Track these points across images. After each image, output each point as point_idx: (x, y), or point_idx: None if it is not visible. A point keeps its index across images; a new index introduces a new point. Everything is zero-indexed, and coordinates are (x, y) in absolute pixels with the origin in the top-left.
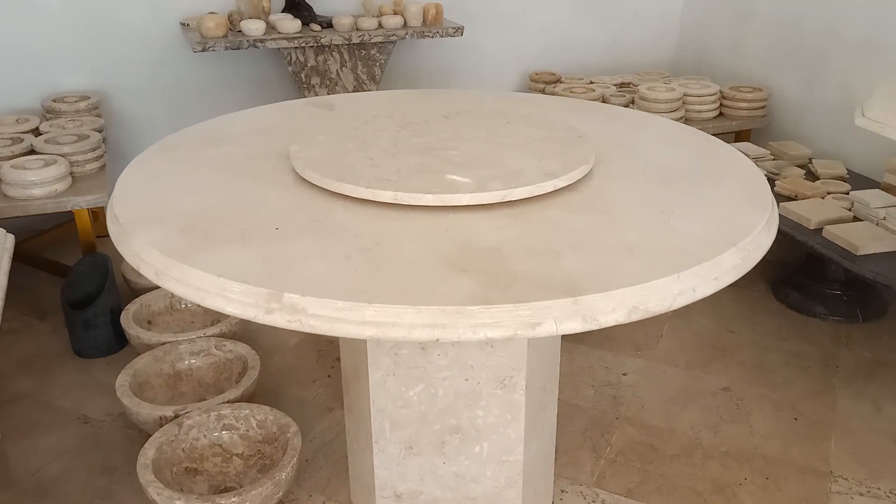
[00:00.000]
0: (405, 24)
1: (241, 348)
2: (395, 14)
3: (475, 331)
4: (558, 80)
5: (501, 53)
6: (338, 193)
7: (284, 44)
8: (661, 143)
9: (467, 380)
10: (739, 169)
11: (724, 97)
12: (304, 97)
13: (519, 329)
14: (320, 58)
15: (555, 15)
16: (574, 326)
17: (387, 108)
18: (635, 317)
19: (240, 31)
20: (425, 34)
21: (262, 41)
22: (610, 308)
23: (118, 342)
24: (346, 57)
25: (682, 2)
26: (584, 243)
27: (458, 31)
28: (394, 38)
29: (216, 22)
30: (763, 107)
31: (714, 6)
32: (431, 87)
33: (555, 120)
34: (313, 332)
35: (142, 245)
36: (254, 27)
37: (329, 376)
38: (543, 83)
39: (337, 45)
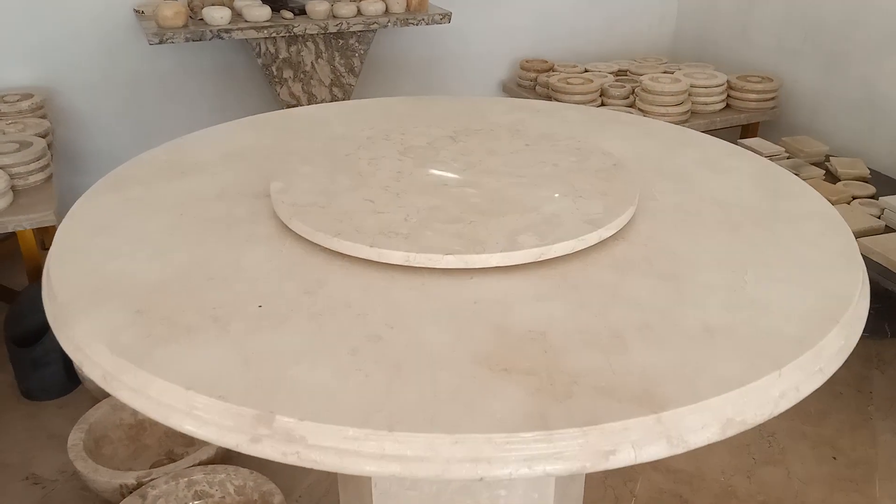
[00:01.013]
0: (387, 11)
1: (247, 476)
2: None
3: (531, 465)
4: (551, 69)
5: (489, 40)
6: (335, 252)
7: (253, 34)
8: (709, 168)
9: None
10: (813, 206)
11: (731, 88)
12: (277, 92)
13: (588, 460)
14: (293, 48)
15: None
16: (657, 451)
17: (381, 123)
18: (730, 432)
19: (201, 19)
20: (410, 21)
21: (227, 31)
22: (700, 424)
23: (71, 381)
24: (322, 47)
25: None
26: (650, 323)
27: (446, 17)
28: (375, 26)
29: (174, 10)
30: (773, 98)
31: None
32: (416, 78)
33: (581, 142)
34: (317, 468)
35: (85, 337)
36: (217, 15)
37: None
38: (535, 72)
39: (311, 35)
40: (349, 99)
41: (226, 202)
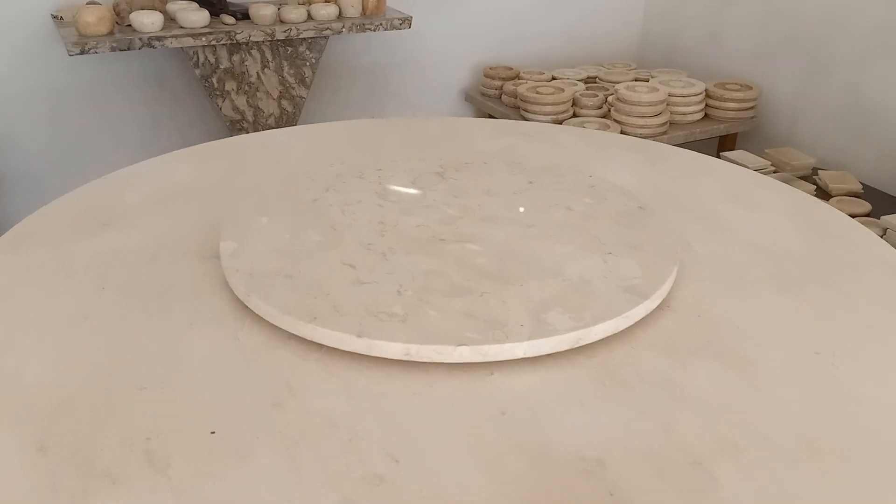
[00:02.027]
0: (341, 15)
1: None
2: (326, 2)
3: None
4: (517, 76)
5: (450, 45)
6: (309, 341)
7: (189, 41)
8: (737, 203)
9: None
10: (870, 250)
11: (709, 96)
12: (218, 107)
13: None
14: (236, 57)
15: (510, 1)
16: None
17: (349, 154)
18: None
19: (129, 25)
20: (367, 27)
21: (159, 39)
22: None
23: None
24: (269, 56)
25: None
26: (735, 439)
27: (406, 21)
28: (328, 32)
29: (98, 16)
30: (753, 107)
31: None
32: (372, 88)
33: (590, 177)
34: None
35: None
36: (148, 21)
37: None
38: (500, 79)
39: (257, 42)
40: (299, 113)
41: (161, 266)
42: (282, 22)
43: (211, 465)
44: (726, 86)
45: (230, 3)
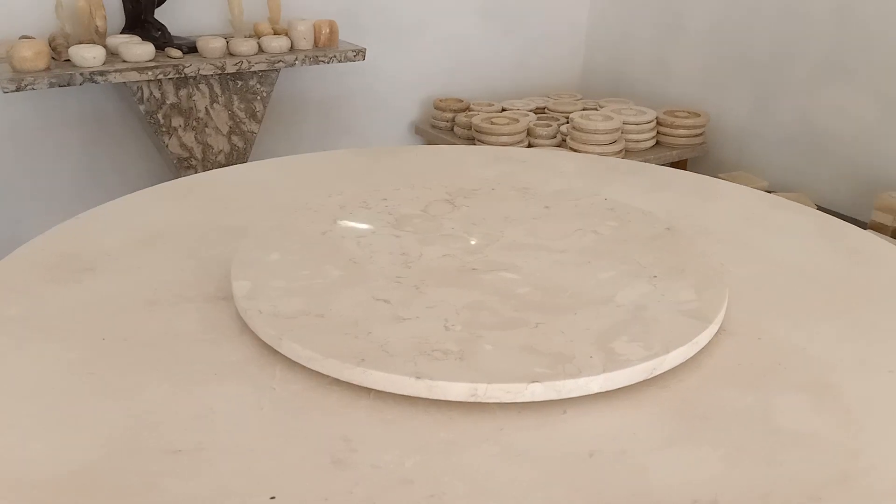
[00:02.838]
0: (292, 48)
1: None
2: (276, 34)
3: None
4: (467, 108)
5: (401, 76)
6: (356, 386)
7: (134, 76)
8: (758, 226)
9: None
10: None
11: (660, 124)
12: (164, 144)
13: None
14: (183, 92)
15: (457, 33)
16: None
17: (344, 184)
18: None
19: (67, 60)
20: (320, 59)
21: (102, 74)
22: None
23: None
24: (218, 90)
25: (587, 19)
26: (839, 467)
27: (360, 53)
28: (280, 65)
29: (35, 50)
30: (702, 133)
31: (631, 23)
32: (321, 122)
33: (606, 199)
34: None
35: None
36: (89, 55)
37: None
38: (452, 111)
39: (205, 76)
40: (251, 149)
41: (164, 311)
42: (231, 55)
43: None
44: (675, 113)
45: (175, 36)
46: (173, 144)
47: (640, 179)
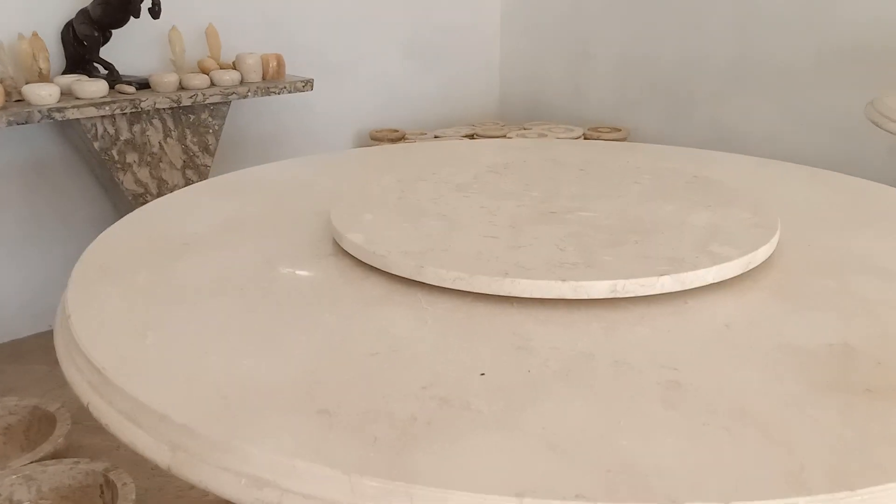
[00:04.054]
0: (243, 81)
1: None
2: (222, 68)
3: None
4: (402, 137)
5: (334, 111)
6: (494, 297)
7: (92, 111)
8: (761, 178)
9: None
10: None
11: (587, 139)
12: (119, 181)
13: None
14: (136, 128)
15: (385, 68)
16: None
17: (382, 172)
18: None
19: (20, 99)
20: (271, 90)
21: (59, 111)
22: None
23: None
24: (171, 124)
25: (498, 55)
26: None
27: (308, 84)
28: (233, 97)
29: None
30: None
31: (542, 55)
32: (269, 152)
33: (628, 162)
34: None
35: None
36: (44, 93)
37: None
38: (388, 141)
39: (157, 110)
40: None
41: (283, 270)
42: (184, 88)
43: (510, 401)
44: (598, 129)
45: (122, 75)
46: (128, 180)
47: (640, 157)
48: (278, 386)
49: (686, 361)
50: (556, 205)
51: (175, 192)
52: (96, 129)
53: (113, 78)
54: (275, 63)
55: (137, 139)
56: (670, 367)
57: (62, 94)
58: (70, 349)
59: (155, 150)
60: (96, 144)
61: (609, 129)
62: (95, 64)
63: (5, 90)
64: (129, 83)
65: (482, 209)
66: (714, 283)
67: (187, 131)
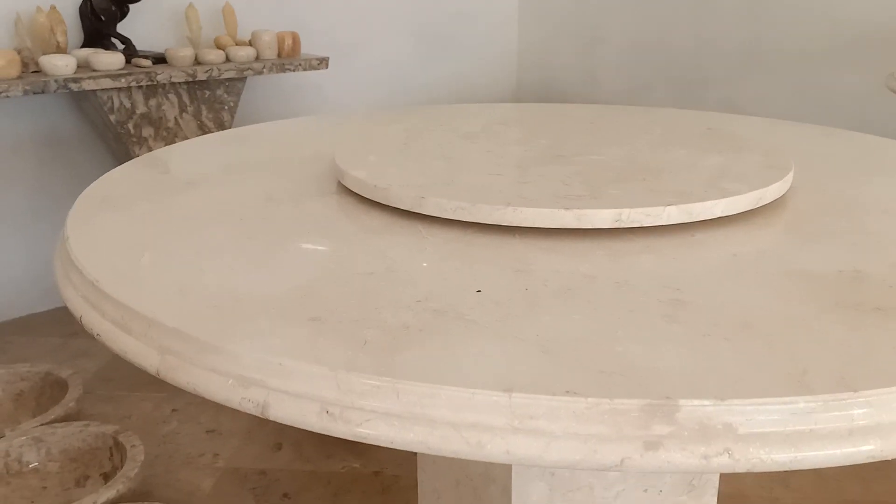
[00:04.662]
0: (258, 57)
1: None
2: (238, 45)
3: None
4: None
5: (342, 94)
6: (498, 228)
7: (108, 83)
8: (779, 135)
9: (646, 490)
10: None
11: None
12: (136, 154)
13: None
14: (152, 102)
15: (394, 53)
16: None
17: (385, 127)
18: None
19: (36, 71)
20: (286, 67)
21: (75, 81)
22: None
23: None
24: (187, 99)
25: (517, 41)
26: None
27: (323, 62)
28: (248, 72)
29: (7, 59)
30: None
31: (556, 41)
32: None
33: (646, 113)
34: (759, 468)
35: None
36: (61, 63)
37: None
38: None
39: (174, 85)
40: None
41: (285, 204)
42: (200, 63)
43: (504, 311)
44: None
45: (139, 50)
46: (143, 154)
47: (655, 115)
48: (271, 297)
49: (689, 283)
50: (563, 150)
51: (184, 142)
52: (112, 103)
53: (129, 52)
54: (290, 41)
55: (153, 113)
56: (673, 288)
57: (79, 66)
58: (67, 269)
59: (171, 124)
60: (112, 117)
61: None
62: (113, 39)
63: (22, 61)
64: (146, 57)
65: (488, 153)
66: (723, 218)
67: (203, 107)
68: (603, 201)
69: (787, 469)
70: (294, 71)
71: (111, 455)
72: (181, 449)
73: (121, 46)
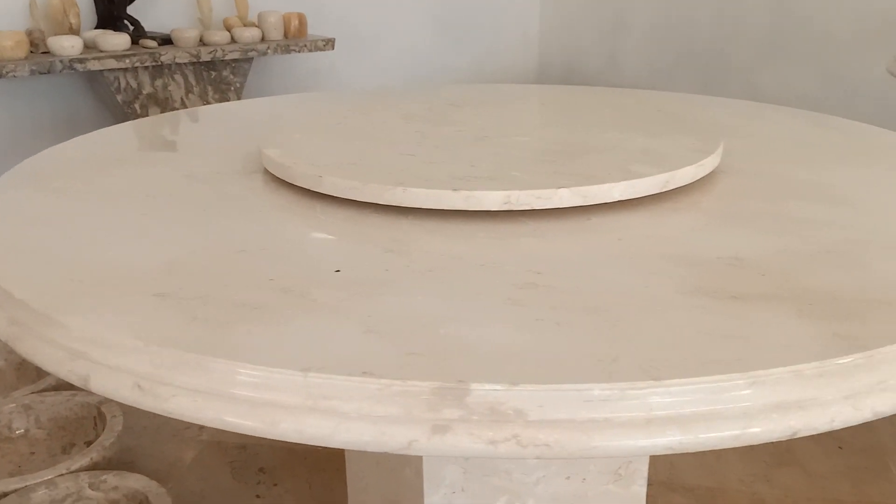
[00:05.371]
0: (264, 38)
1: (133, 481)
2: (248, 26)
3: (857, 405)
4: None
5: (360, 79)
6: (393, 208)
7: (112, 63)
8: (745, 118)
9: (569, 478)
10: (879, 138)
11: None
12: None
13: None
14: (158, 82)
15: (414, 38)
16: None
17: (342, 106)
18: None
19: (45, 52)
20: (291, 48)
21: (80, 61)
22: None
23: None
24: (193, 80)
25: (538, 25)
26: (859, 238)
27: (329, 43)
28: (253, 53)
29: (15, 40)
30: None
31: (578, 25)
32: None
33: (608, 92)
34: (547, 456)
35: (90, 332)
36: (67, 44)
37: (258, 496)
38: None
39: (180, 66)
40: None
41: (201, 182)
42: (205, 44)
43: (351, 292)
44: None
45: (148, 31)
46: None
47: (628, 98)
48: (132, 272)
49: (555, 266)
50: (495, 131)
51: (138, 120)
52: (119, 83)
53: (138, 33)
54: (296, 22)
55: (160, 94)
56: (535, 271)
57: (87, 46)
58: None
59: (177, 105)
60: (119, 97)
61: None
62: (125, 21)
63: (33, 42)
64: (153, 38)
65: (417, 133)
66: (629, 202)
67: (209, 88)
68: (499, 183)
69: (580, 457)
70: (300, 52)
71: (95, 424)
72: (170, 421)
73: (131, 28)
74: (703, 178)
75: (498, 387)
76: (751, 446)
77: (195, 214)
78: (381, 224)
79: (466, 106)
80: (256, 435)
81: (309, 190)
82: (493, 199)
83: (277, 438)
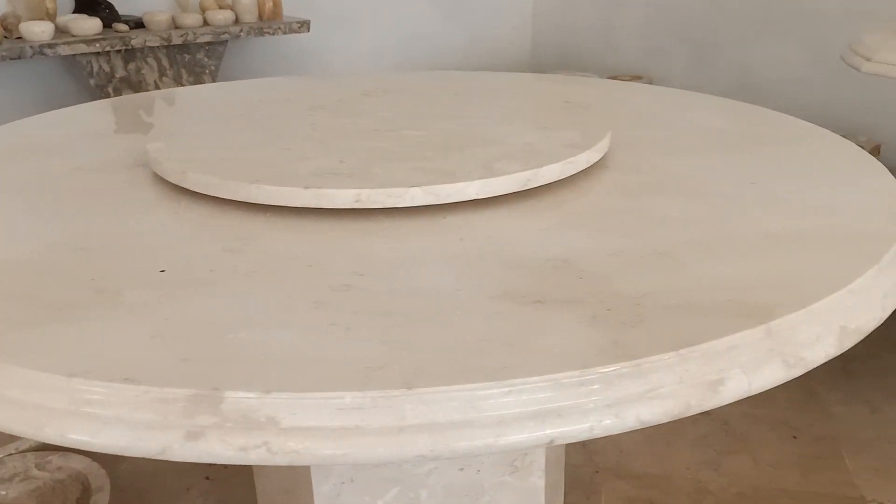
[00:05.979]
0: (237, 20)
1: (76, 462)
2: (222, 8)
3: (619, 413)
4: None
5: (353, 56)
6: (254, 205)
7: (82, 48)
8: (669, 107)
9: (462, 469)
10: (797, 129)
11: None
12: None
13: (693, 396)
14: (131, 66)
15: (408, 13)
16: (773, 375)
17: (266, 93)
18: (847, 344)
19: (19, 37)
20: (265, 31)
21: (50, 46)
22: (813, 336)
23: None
24: (166, 63)
25: (532, 5)
26: (699, 239)
27: (304, 25)
28: (225, 36)
29: None
30: None
31: (571, 5)
32: None
33: (525, 87)
34: (298, 462)
35: None
36: (38, 29)
37: (208, 478)
38: None
39: (152, 49)
40: None
41: (85, 174)
42: (177, 27)
43: (163, 294)
44: (619, 77)
45: (122, 15)
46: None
47: (559, 86)
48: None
49: (378, 268)
50: (392, 124)
51: (58, 110)
52: (92, 67)
53: (111, 17)
54: (271, 4)
55: (132, 77)
56: (357, 273)
57: (60, 31)
58: None
59: (150, 88)
60: (92, 81)
61: (630, 77)
62: (101, 4)
63: (7, 27)
64: (126, 22)
65: (311, 125)
66: (492, 200)
67: (183, 71)
68: (355, 181)
69: (332, 464)
70: (273, 34)
71: None
72: None
73: (105, 12)
74: (582, 172)
75: (251, 395)
76: (704, 433)
77: (59, 209)
78: (236, 221)
79: (380, 96)
80: (27, 437)
81: (177, 185)
82: (344, 198)
83: (45, 441)
